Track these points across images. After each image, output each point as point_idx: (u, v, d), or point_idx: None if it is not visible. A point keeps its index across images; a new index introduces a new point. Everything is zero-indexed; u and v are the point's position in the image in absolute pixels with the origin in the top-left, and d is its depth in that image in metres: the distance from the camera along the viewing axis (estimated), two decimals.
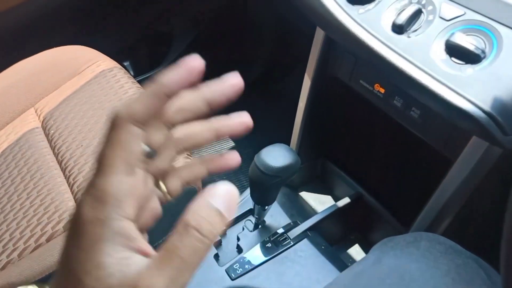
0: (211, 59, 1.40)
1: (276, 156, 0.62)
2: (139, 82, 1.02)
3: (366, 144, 0.80)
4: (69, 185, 0.83)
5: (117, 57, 1.17)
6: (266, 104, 1.47)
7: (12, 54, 1.04)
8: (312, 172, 0.87)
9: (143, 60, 1.38)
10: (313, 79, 0.73)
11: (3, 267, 0.74)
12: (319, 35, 0.70)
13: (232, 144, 1.35)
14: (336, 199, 0.85)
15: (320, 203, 0.83)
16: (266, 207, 0.70)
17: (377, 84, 0.64)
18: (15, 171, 0.87)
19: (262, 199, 0.67)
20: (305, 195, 0.85)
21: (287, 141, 1.19)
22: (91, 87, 0.97)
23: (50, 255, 0.71)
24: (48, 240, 0.75)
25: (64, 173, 0.85)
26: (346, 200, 0.77)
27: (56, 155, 0.88)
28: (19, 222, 0.79)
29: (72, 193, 0.81)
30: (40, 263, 0.70)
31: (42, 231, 0.77)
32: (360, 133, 0.81)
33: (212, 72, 1.35)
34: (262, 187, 0.64)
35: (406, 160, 0.73)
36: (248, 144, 1.35)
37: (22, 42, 1.12)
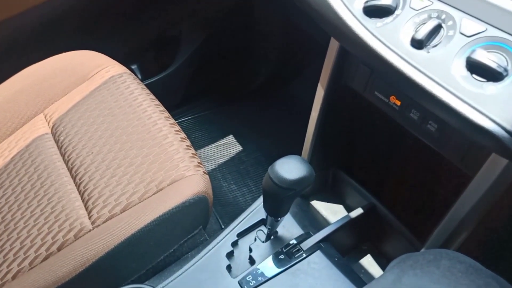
0: (218, 64, 1.41)
1: (290, 168, 0.61)
2: (147, 85, 1.02)
3: (380, 155, 0.79)
4: (79, 193, 0.82)
5: (125, 60, 1.17)
6: (273, 108, 1.46)
7: (21, 59, 1.04)
8: (324, 182, 0.86)
9: (151, 63, 1.37)
10: (326, 89, 0.72)
11: (14, 276, 0.74)
12: (334, 45, 0.70)
13: (240, 148, 1.35)
14: (348, 208, 0.85)
15: (332, 212, 0.83)
16: (279, 218, 0.69)
17: (392, 96, 0.64)
18: (25, 178, 0.87)
19: (275, 211, 0.67)
20: (317, 204, 0.84)
21: (295, 144, 1.20)
22: (100, 93, 0.97)
23: (62, 265, 0.71)
24: (59, 249, 0.75)
25: (74, 181, 0.85)
26: (359, 211, 0.77)
27: (66, 162, 0.88)
28: (29, 230, 0.79)
29: (83, 200, 0.81)
30: (52, 274, 0.70)
31: (53, 240, 0.76)
32: (374, 143, 0.80)
33: (219, 77, 1.36)
34: (276, 199, 0.64)
35: (421, 173, 0.72)
36: (256, 148, 1.35)
37: (32, 47, 1.12)
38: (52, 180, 0.85)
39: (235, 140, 1.37)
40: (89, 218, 0.78)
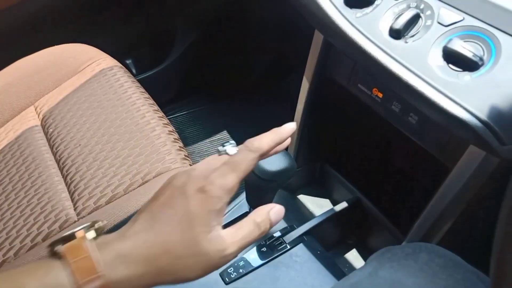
0: (212, 59, 1.40)
1: (271, 160, 0.61)
2: (141, 80, 1.02)
3: (364, 148, 0.79)
4: (66, 184, 0.83)
5: (119, 55, 1.17)
6: (267, 104, 1.46)
7: (12, 52, 1.04)
8: (310, 175, 0.86)
9: (145, 58, 1.37)
10: (311, 81, 0.72)
11: None
12: (318, 37, 0.70)
13: (233, 143, 1.34)
14: (334, 203, 0.84)
15: (318, 206, 0.82)
16: None
17: (375, 89, 0.63)
18: (14, 169, 0.87)
19: (258, 203, 0.66)
20: (303, 198, 0.84)
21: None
22: (90, 86, 0.97)
23: (45, 255, 0.71)
24: (44, 240, 0.76)
25: (61, 172, 0.85)
26: (343, 205, 0.76)
27: (54, 153, 0.88)
28: (16, 220, 0.79)
29: (69, 192, 0.81)
30: None
31: (38, 230, 0.77)
32: (358, 136, 0.80)
33: (213, 73, 1.36)
34: (258, 191, 0.64)
35: (404, 166, 0.72)
36: None
37: (23, 39, 1.12)
38: (40, 171, 0.85)
39: (228, 136, 1.37)
40: (75, 209, 0.78)
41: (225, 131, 1.39)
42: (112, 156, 0.83)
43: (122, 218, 0.72)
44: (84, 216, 0.77)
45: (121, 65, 1.02)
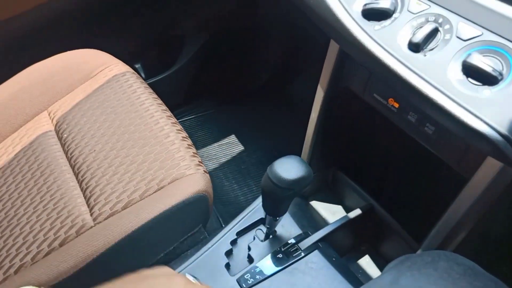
0: (220, 63, 1.42)
1: (289, 168, 0.62)
2: (150, 85, 1.03)
3: (379, 156, 0.80)
4: (81, 190, 0.84)
5: (129, 59, 1.18)
6: (274, 108, 1.47)
7: (25, 57, 1.05)
8: (323, 182, 0.87)
9: (154, 62, 1.38)
10: (326, 90, 0.73)
11: (17, 271, 0.75)
12: (334, 47, 0.71)
13: (241, 147, 1.36)
14: (347, 209, 0.86)
15: (331, 213, 0.83)
16: (278, 218, 0.70)
17: (391, 99, 0.64)
18: (29, 174, 0.88)
19: (274, 210, 0.68)
20: (316, 204, 0.85)
21: (296, 146, 1.20)
22: (104, 92, 0.98)
23: (64, 260, 0.72)
24: (61, 245, 0.76)
25: (76, 178, 0.86)
26: (357, 212, 0.77)
27: (69, 159, 0.89)
28: (32, 225, 0.80)
29: (85, 197, 0.82)
30: (54, 269, 0.71)
31: (55, 235, 0.78)
32: (373, 145, 0.81)
33: (221, 77, 1.37)
34: (274, 198, 0.65)
35: (419, 174, 0.73)
36: (257, 148, 1.36)
37: (35, 45, 1.13)
38: (55, 176, 0.86)
39: (236, 140, 1.38)
40: (91, 214, 0.79)
41: (233, 135, 1.40)
42: (127, 162, 0.84)
43: (139, 224, 0.73)
44: (100, 222, 0.78)
45: (133, 70, 1.03)
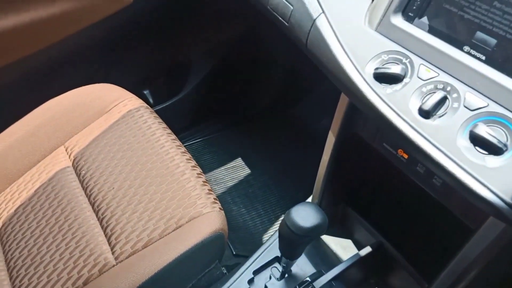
0: (226, 87, 1.46)
1: (305, 216, 0.66)
2: (159, 111, 1.07)
3: (388, 197, 0.84)
4: (102, 228, 0.87)
5: (137, 86, 1.22)
6: (279, 130, 1.51)
7: (37, 94, 1.09)
8: (333, 217, 0.91)
9: (162, 89, 1.42)
10: (337, 136, 0.77)
11: None
12: (344, 97, 0.75)
13: (248, 171, 1.39)
14: (357, 243, 0.90)
15: (341, 247, 0.88)
16: (294, 259, 0.74)
17: (400, 150, 0.68)
18: (49, 211, 0.91)
19: (291, 254, 0.72)
20: (327, 239, 0.89)
21: (301, 167, 1.25)
22: (119, 127, 1.01)
23: None
24: (85, 284, 0.80)
25: (97, 215, 0.89)
26: (367, 249, 0.82)
27: (88, 196, 0.92)
28: (55, 264, 0.83)
29: (106, 235, 0.86)
30: None
31: (79, 274, 0.81)
32: (382, 187, 0.85)
33: (226, 100, 1.42)
34: (291, 244, 0.69)
35: (428, 218, 0.77)
36: (263, 171, 1.40)
37: (46, 83, 1.16)
38: (76, 214, 0.89)
39: (243, 163, 1.42)
40: (112, 253, 0.83)
41: (239, 158, 1.44)
42: (146, 200, 0.88)
43: (161, 266, 0.77)
44: (122, 260, 0.82)
45: (146, 105, 1.07)
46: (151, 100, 1.40)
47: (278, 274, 0.80)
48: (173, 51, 1.36)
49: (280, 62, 1.48)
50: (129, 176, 0.93)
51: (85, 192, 0.93)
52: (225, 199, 1.31)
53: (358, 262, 0.80)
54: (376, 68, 0.61)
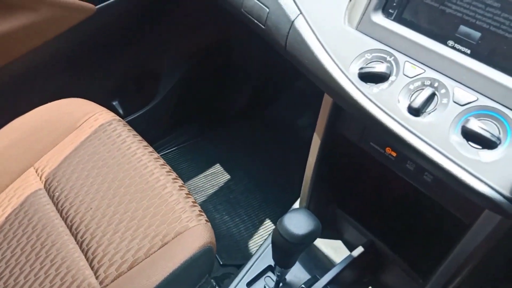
0: (199, 91, 1.43)
1: (298, 223, 0.65)
2: (130, 121, 1.03)
3: (378, 196, 0.83)
4: (83, 252, 0.83)
5: (106, 96, 1.16)
6: (256, 131, 1.49)
7: (4, 113, 1.03)
8: (322, 219, 0.90)
9: (132, 98, 1.37)
10: (322, 137, 0.76)
11: None
12: (328, 97, 0.73)
13: (228, 176, 1.37)
14: (348, 244, 0.89)
15: (332, 249, 0.86)
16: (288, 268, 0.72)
17: (388, 148, 0.67)
18: (24, 239, 0.86)
19: (286, 263, 0.70)
20: (317, 242, 0.88)
21: (278, 168, 1.23)
22: (92, 143, 0.97)
23: None
24: None
25: (75, 239, 0.85)
26: (359, 250, 0.81)
27: (64, 219, 0.88)
28: None
29: (87, 260, 0.81)
30: None
31: None
32: (371, 186, 0.84)
33: (200, 104, 1.39)
34: (286, 252, 0.67)
35: (420, 215, 0.77)
36: (243, 175, 1.38)
37: (12, 99, 1.10)
38: (53, 239, 0.84)
39: (222, 169, 1.39)
40: (96, 278, 0.79)
41: (218, 164, 1.41)
42: (127, 219, 0.84)
43: (152, 287, 0.73)
44: (107, 284, 0.78)
45: (119, 118, 1.02)
46: (121, 111, 1.35)
47: (272, 284, 0.77)
48: (143, 60, 1.31)
49: (253, 65, 1.46)
50: (106, 194, 0.88)
51: (61, 215, 0.88)
52: (207, 208, 1.28)
53: (352, 263, 0.79)
54: (361, 68, 0.60)
